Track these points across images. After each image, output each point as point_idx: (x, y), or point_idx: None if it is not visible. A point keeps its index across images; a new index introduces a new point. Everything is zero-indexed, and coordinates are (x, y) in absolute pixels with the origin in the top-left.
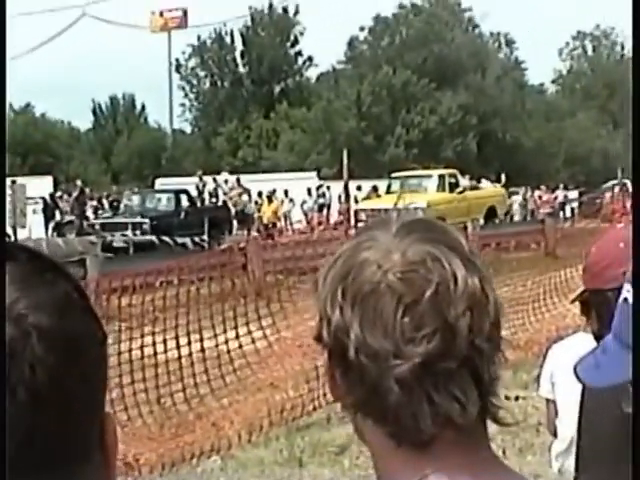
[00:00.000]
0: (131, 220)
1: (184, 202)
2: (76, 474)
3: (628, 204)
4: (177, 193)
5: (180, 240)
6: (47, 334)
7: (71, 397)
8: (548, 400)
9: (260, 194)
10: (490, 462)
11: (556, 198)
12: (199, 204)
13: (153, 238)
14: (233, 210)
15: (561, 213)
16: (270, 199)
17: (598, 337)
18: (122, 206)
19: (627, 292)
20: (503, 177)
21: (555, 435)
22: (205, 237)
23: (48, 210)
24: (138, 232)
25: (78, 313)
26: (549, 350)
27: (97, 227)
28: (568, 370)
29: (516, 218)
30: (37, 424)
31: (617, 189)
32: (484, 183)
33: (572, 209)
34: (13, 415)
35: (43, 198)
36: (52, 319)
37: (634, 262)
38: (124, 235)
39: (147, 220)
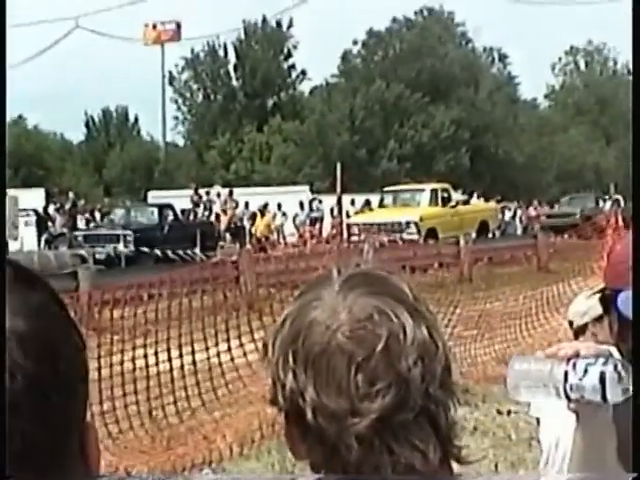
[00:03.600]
0: (114, 232)
1: (169, 216)
2: (56, 479)
3: (620, 220)
4: (161, 207)
5: (163, 253)
6: (24, 339)
7: (48, 403)
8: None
9: (247, 205)
10: None
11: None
12: (191, 217)
13: (138, 250)
14: (225, 224)
15: None
16: (262, 213)
17: (620, 336)
18: (105, 219)
19: None
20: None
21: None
22: (197, 250)
23: (40, 223)
24: (121, 245)
25: (55, 320)
26: None
27: (80, 239)
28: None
29: (508, 232)
30: (16, 428)
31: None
32: (475, 200)
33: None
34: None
35: (35, 210)
36: (28, 324)
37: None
38: (105, 247)
39: (130, 232)
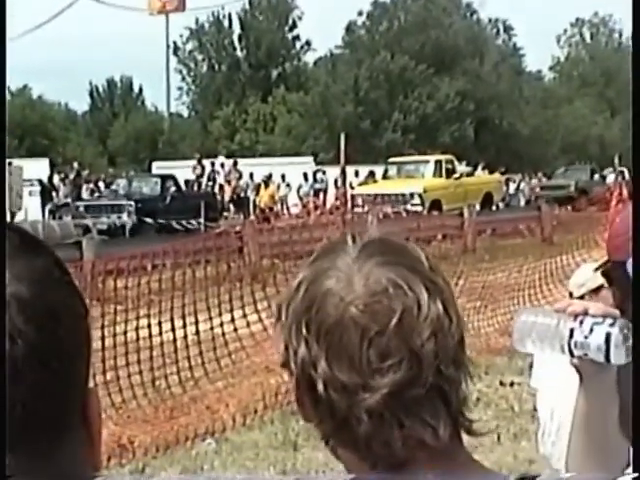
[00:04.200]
0: (116, 203)
1: (172, 187)
2: (57, 446)
3: (625, 191)
4: (163, 178)
5: (165, 223)
6: (26, 305)
7: (49, 368)
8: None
9: (251, 176)
10: (467, 467)
11: None
12: (195, 188)
13: (141, 220)
14: (229, 194)
15: None
16: (267, 184)
17: (621, 309)
18: (106, 190)
19: None
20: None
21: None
22: (201, 220)
23: (45, 192)
24: (124, 215)
25: (58, 286)
26: None
27: (81, 209)
28: (543, 356)
29: (512, 204)
30: (16, 394)
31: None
32: (479, 172)
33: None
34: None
35: (40, 180)
36: (31, 290)
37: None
38: (108, 217)
39: (132, 203)
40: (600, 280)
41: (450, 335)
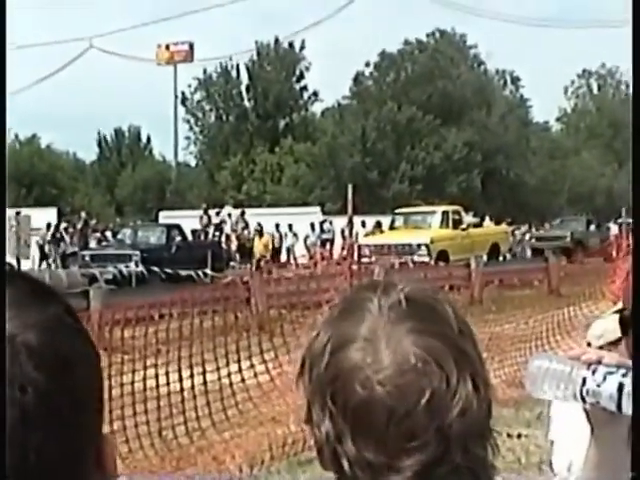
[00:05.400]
0: (121, 252)
1: (177, 237)
2: None
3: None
4: (169, 227)
5: (170, 272)
6: (36, 353)
7: (62, 415)
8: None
9: (260, 226)
10: None
11: None
12: (202, 237)
13: (143, 270)
14: (235, 244)
15: None
16: (261, 233)
17: (636, 359)
18: (112, 239)
19: None
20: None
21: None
22: (208, 270)
23: (52, 242)
24: (131, 265)
25: (68, 333)
26: None
27: (87, 258)
28: (561, 404)
29: (519, 255)
30: (29, 442)
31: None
32: (487, 222)
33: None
34: (7, 435)
35: (47, 228)
36: (41, 338)
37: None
38: (114, 267)
39: (137, 252)
40: (619, 333)
41: (479, 411)
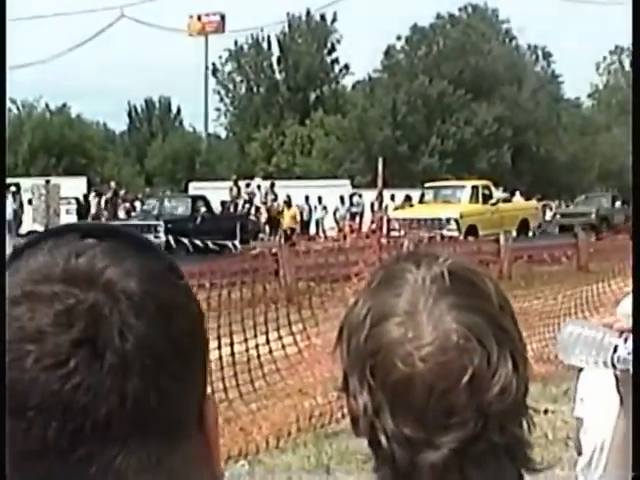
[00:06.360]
0: (146, 223)
1: (202, 208)
2: (172, 449)
3: None
4: (194, 199)
5: (198, 244)
6: (136, 300)
7: (163, 365)
8: (578, 418)
9: (289, 198)
10: None
11: None
12: (231, 209)
13: (171, 241)
14: (265, 216)
15: None
16: (289, 205)
17: None
18: (138, 210)
19: None
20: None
21: (579, 452)
22: (237, 242)
23: (81, 211)
24: (159, 235)
25: (171, 286)
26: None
27: None
28: (593, 384)
29: (548, 231)
30: (127, 389)
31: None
32: (517, 198)
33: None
34: (103, 380)
35: (77, 199)
36: (142, 286)
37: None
38: None
39: (161, 223)
40: None
41: (517, 389)
